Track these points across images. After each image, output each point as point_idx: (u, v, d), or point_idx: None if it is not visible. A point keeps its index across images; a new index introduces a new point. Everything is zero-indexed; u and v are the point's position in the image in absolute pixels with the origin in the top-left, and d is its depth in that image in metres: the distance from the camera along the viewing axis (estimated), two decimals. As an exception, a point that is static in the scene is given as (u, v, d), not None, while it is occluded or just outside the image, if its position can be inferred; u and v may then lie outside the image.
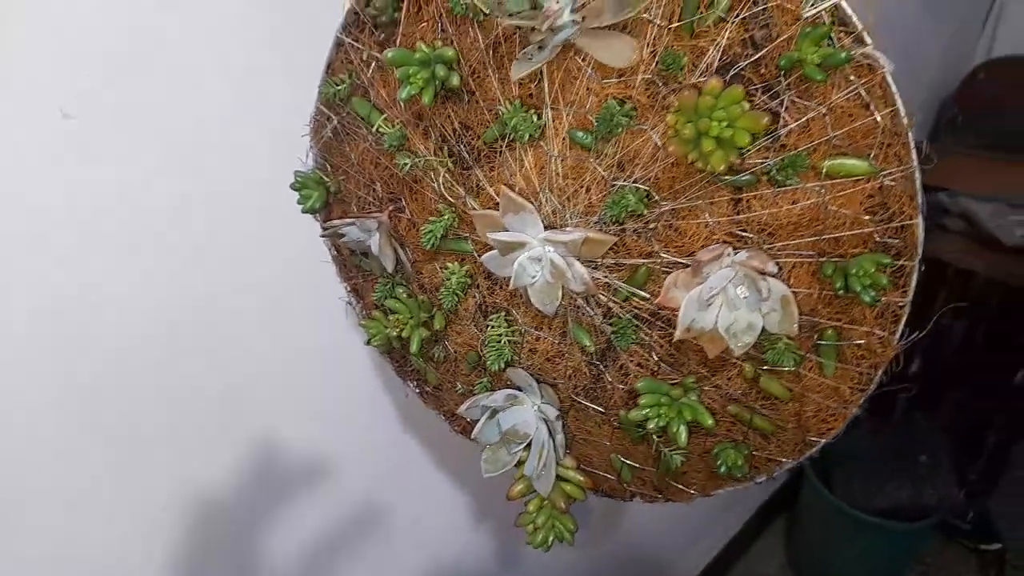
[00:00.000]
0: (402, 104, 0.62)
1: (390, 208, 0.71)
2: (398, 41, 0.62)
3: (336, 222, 0.70)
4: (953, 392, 2.19)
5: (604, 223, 0.60)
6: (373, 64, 0.64)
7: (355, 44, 0.65)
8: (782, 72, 0.48)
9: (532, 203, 0.62)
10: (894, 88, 0.47)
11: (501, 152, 0.62)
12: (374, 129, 0.65)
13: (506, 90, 0.60)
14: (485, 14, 0.55)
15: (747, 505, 2.05)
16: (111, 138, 0.67)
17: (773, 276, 0.54)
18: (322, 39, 0.66)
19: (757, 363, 0.59)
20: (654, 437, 0.66)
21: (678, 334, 0.57)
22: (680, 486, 0.72)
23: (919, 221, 0.51)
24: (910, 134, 0.48)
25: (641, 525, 1.56)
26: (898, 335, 0.55)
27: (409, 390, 0.85)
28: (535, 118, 0.59)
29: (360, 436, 0.99)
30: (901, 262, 0.52)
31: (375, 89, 0.65)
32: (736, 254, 0.55)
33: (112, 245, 0.70)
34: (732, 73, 0.49)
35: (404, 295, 0.74)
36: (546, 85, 0.58)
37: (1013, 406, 1.88)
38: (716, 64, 0.49)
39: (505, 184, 0.64)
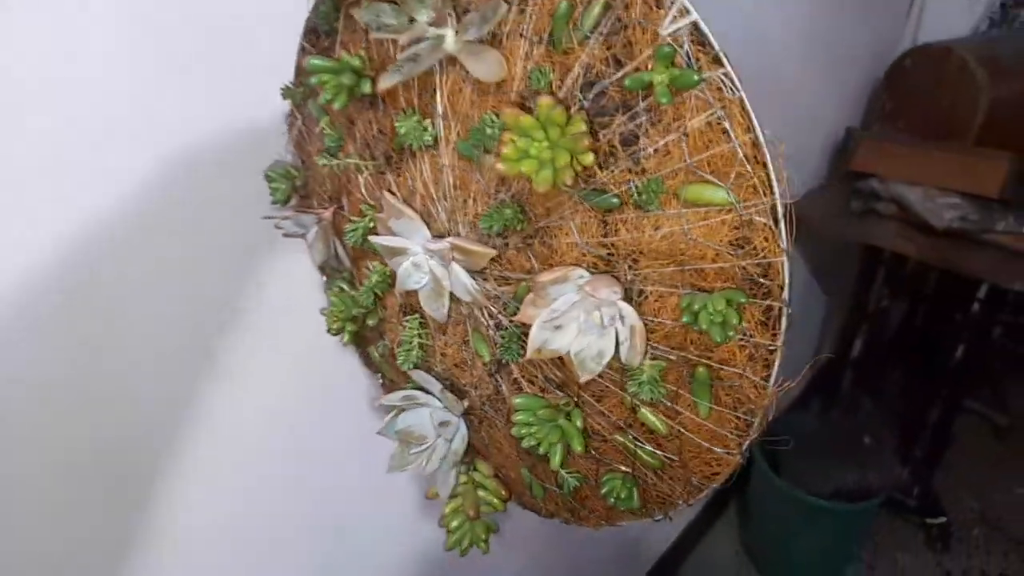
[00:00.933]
0: (335, 108, 0.64)
1: (334, 206, 0.74)
2: (336, 49, 0.65)
3: (276, 214, 0.75)
4: (895, 372, 2.24)
5: (487, 235, 0.59)
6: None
7: (310, 50, 0.68)
8: (639, 94, 0.46)
9: (433, 209, 0.63)
10: (752, 114, 0.43)
11: (406, 159, 0.64)
12: (320, 130, 0.70)
13: (409, 99, 0.60)
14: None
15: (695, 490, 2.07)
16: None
17: (615, 303, 0.52)
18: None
19: (632, 394, 0.57)
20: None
21: (528, 353, 0.56)
22: (586, 511, 0.71)
23: (783, 260, 0.47)
24: (769, 164, 0.44)
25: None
26: (772, 380, 0.50)
27: (374, 381, 0.89)
28: (428, 128, 0.59)
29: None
30: (768, 302, 0.48)
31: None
32: (582, 278, 0.53)
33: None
34: (596, 91, 0.48)
35: (342, 290, 0.77)
36: (438, 97, 0.58)
37: (953, 383, 1.93)
38: (580, 81, 0.48)
39: (388, 191, 0.65)
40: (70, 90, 0.61)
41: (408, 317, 0.73)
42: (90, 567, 0.74)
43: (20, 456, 0.66)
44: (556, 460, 0.61)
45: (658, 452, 0.60)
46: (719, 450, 0.56)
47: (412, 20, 0.53)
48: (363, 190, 0.69)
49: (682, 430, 0.57)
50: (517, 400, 0.63)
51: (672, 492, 0.62)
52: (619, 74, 0.46)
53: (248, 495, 0.87)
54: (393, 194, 0.65)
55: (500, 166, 0.48)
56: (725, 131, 0.44)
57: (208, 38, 0.67)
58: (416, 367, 0.73)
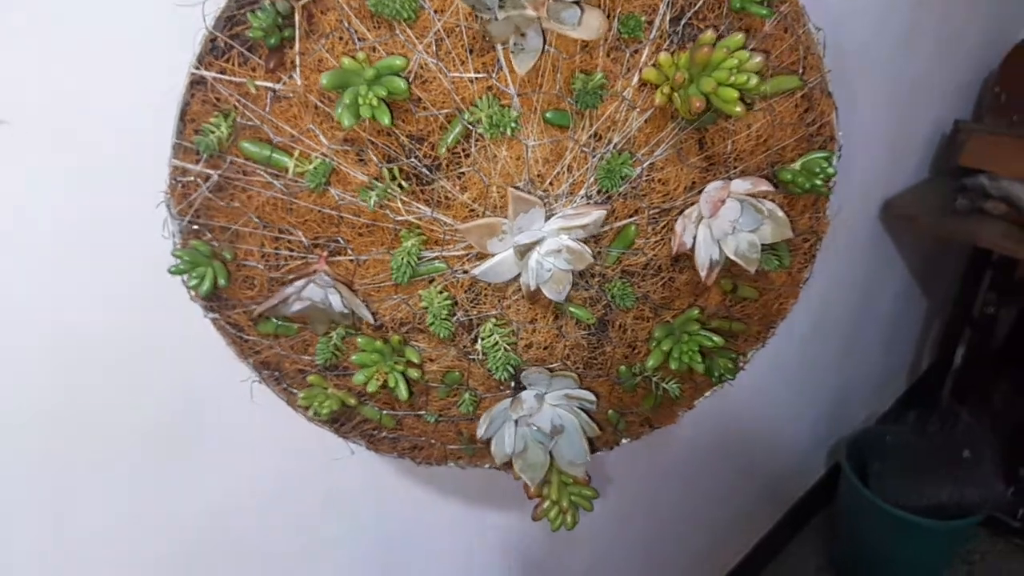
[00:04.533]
0: (321, 133, 0.56)
1: (324, 254, 0.61)
2: (297, 62, 0.53)
3: (291, 289, 0.61)
4: (1000, 384, 2.10)
5: (592, 196, 0.62)
6: (268, 96, 0.54)
7: (226, 77, 0.54)
8: (733, 12, 0.56)
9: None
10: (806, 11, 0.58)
11: (468, 154, 0.58)
12: (288, 172, 0.56)
13: (459, 89, 0.56)
14: (415, 13, 0.52)
15: (778, 504, 2.00)
16: None
17: (766, 194, 0.64)
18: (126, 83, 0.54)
19: (731, 277, 0.71)
20: (652, 378, 0.74)
21: (705, 276, 0.65)
22: (668, 411, 0.80)
23: (834, 116, 0.66)
24: (819, 45, 0.61)
25: (664, 525, 1.53)
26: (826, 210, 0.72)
27: (354, 446, 0.74)
28: (508, 110, 0.57)
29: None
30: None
31: (272, 126, 0.55)
32: (732, 184, 0.64)
33: None
34: (683, 23, 0.55)
35: (366, 342, 0.66)
36: (508, 74, 0.56)
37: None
38: (668, 18, 0.54)
39: (511, 186, 0.61)
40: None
41: (479, 328, 0.68)
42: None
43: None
44: (699, 365, 0.72)
45: (744, 318, 0.77)
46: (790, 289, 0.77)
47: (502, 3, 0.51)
48: (403, 211, 0.60)
49: (768, 288, 0.75)
50: (657, 331, 0.72)
51: (748, 345, 0.79)
52: (699, 3, 0.56)
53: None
54: (437, 203, 0.61)
55: (679, 104, 0.57)
56: (786, 28, 0.59)
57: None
58: (514, 370, 0.69)
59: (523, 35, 0.53)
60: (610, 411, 0.77)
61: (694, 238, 0.64)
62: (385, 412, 0.71)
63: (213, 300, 0.61)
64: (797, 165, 0.65)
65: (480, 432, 0.70)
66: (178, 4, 0.50)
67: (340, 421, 0.71)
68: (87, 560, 0.69)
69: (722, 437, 1.52)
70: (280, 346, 0.65)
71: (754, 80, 0.52)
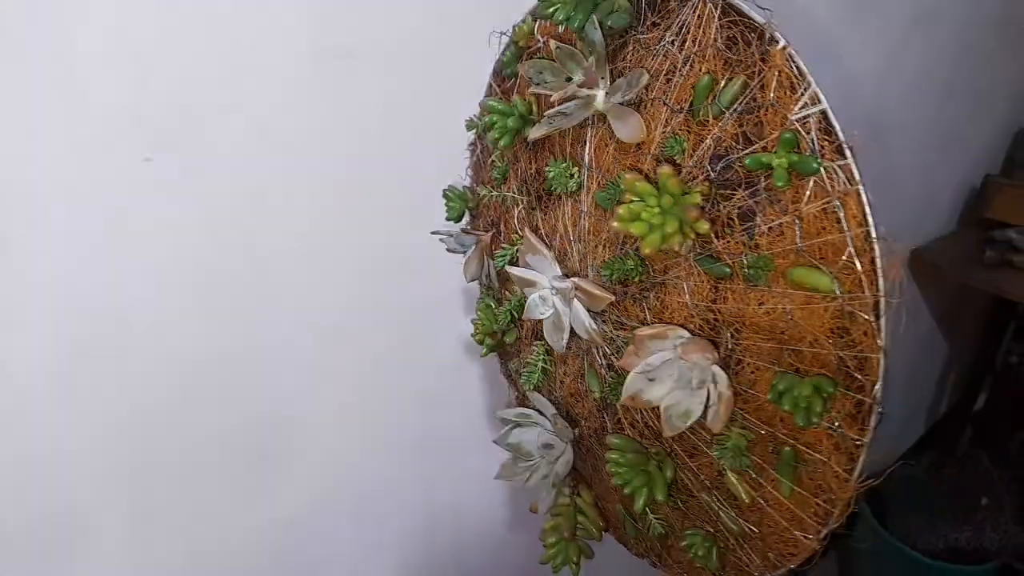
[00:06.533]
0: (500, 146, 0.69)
1: (493, 231, 0.81)
2: (513, 90, 0.71)
3: (441, 230, 0.82)
4: (1020, 433, 2.10)
5: (608, 281, 0.64)
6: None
7: (495, 89, 0.75)
8: (761, 172, 0.49)
9: (569, 249, 0.68)
10: (868, 208, 0.44)
11: (553, 200, 0.70)
12: (491, 162, 0.76)
13: (563, 147, 0.66)
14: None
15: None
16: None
17: (709, 368, 0.54)
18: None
19: (716, 458, 0.60)
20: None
21: (622, 398, 0.59)
22: (672, 560, 0.73)
23: (879, 357, 0.46)
24: (878, 260, 0.44)
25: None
26: (856, 474, 0.50)
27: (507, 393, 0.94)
28: (574, 175, 0.65)
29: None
30: (859, 396, 0.48)
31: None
32: (680, 339, 0.56)
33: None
34: (723, 164, 0.51)
35: (488, 307, 0.83)
36: (586, 149, 0.64)
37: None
38: (711, 152, 0.52)
39: (531, 227, 0.72)
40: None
41: (537, 342, 0.78)
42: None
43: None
44: (639, 503, 0.63)
45: (739, 520, 0.61)
46: (797, 532, 0.56)
47: (568, 79, 0.58)
48: (516, 222, 0.76)
49: (764, 504, 0.58)
50: (612, 439, 0.67)
51: (750, 563, 0.62)
52: (746, 151, 0.49)
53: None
54: (536, 231, 0.71)
55: (614, 223, 0.52)
56: (839, 220, 0.45)
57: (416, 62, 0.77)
58: (536, 389, 0.79)
59: (565, 113, 0.60)
60: (619, 505, 0.77)
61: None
62: (512, 367, 0.87)
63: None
64: (791, 381, 0.50)
65: (497, 414, 0.81)
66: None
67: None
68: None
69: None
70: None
71: (673, 226, 0.49)
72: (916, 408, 2.23)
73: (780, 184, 0.46)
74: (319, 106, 0.75)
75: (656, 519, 0.69)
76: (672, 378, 0.57)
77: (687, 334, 0.57)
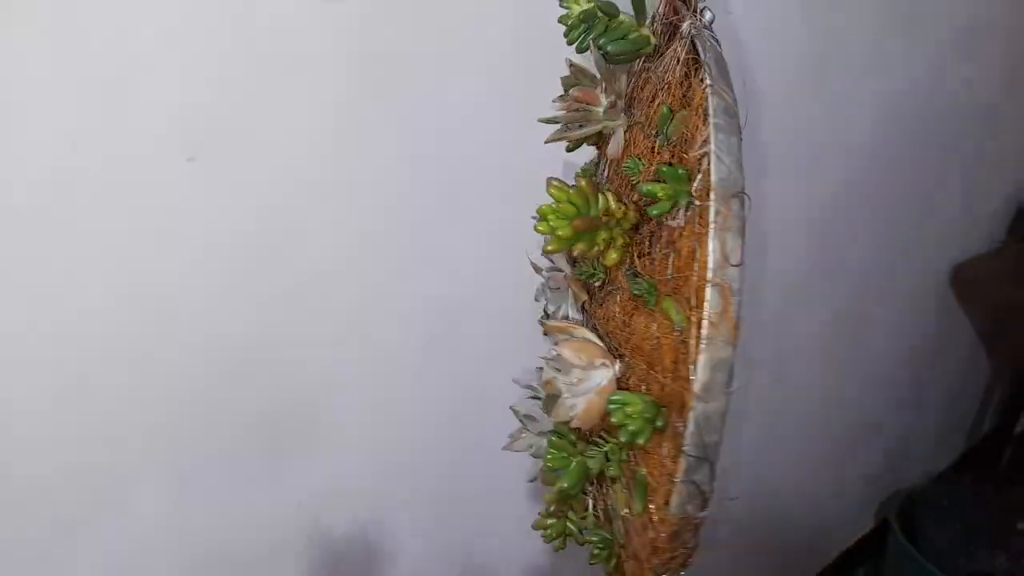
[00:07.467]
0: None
1: None
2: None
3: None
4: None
5: (583, 279, 0.70)
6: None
7: None
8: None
9: None
10: (716, 255, 0.43)
11: None
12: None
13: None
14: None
15: (823, 555, 1.99)
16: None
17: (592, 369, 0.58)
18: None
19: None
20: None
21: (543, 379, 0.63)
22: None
23: (692, 403, 0.44)
24: (708, 306, 0.43)
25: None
26: (671, 508, 0.48)
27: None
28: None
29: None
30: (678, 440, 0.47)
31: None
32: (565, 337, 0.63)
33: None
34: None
35: None
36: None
37: None
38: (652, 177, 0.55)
39: None
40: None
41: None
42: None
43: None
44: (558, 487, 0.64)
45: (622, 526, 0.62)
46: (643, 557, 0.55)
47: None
48: None
49: (628, 515, 0.58)
50: (559, 426, 0.67)
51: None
52: (648, 180, 0.54)
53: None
54: None
55: (538, 225, 0.57)
56: (694, 259, 0.46)
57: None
58: None
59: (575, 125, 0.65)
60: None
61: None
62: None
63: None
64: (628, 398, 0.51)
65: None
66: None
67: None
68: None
69: (758, 487, 1.54)
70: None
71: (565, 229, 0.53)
72: (955, 427, 2.19)
73: (654, 213, 0.50)
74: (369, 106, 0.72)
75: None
76: (564, 373, 0.61)
77: (584, 334, 0.64)
